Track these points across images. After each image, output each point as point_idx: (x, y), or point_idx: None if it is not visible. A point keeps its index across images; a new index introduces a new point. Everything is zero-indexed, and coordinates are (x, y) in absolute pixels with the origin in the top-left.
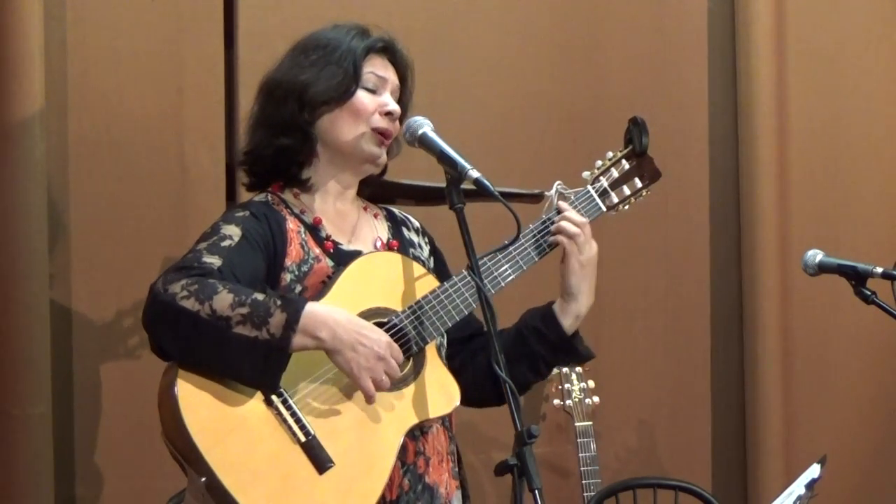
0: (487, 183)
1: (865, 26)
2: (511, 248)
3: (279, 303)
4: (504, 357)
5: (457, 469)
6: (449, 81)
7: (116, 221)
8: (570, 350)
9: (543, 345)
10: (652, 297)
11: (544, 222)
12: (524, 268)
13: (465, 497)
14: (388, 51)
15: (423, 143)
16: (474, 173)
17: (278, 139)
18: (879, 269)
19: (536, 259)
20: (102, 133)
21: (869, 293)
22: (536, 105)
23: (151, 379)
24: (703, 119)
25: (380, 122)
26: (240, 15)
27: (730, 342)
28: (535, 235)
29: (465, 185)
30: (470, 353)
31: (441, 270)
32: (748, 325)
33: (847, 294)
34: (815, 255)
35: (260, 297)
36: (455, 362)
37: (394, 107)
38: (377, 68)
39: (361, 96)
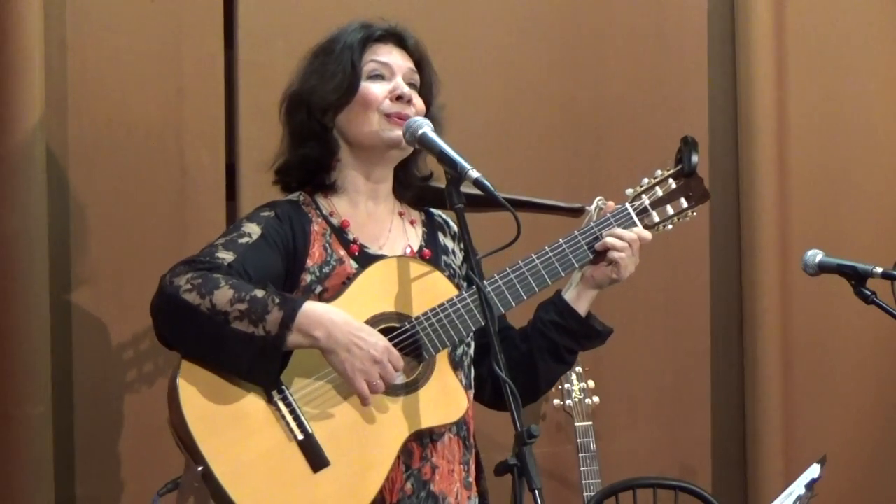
0: (487, 183)
1: (865, 26)
2: (538, 261)
3: (277, 300)
4: (530, 355)
5: (470, 480)
6: (449, 82)
7: (116, 221)
8: (592, 333)
9: (566, 336)
10: (652, 297)
11: (584, 235)
12: (562, 274)
13: None
14: (394, 37)
15: (423, 143)
16: (474, 173)
17: (299, 149)
18: (879, 269)
19: (589, 258)
20: (102, 133)
21: (869, 293)
22: (537, 105)
23: (152, 378)
24: (703, 119)
25: (392, 107)
26: (240, 15)
27: (730, 342)
28: (574, 246)
29: (468, 190)
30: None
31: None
32: (748, 325)
33: (847, 294)
34: (815, 255)
35: (259, 293)
36: (482, 369)
37: (403, 89)
38: (379, 55)
39: (368, 87)
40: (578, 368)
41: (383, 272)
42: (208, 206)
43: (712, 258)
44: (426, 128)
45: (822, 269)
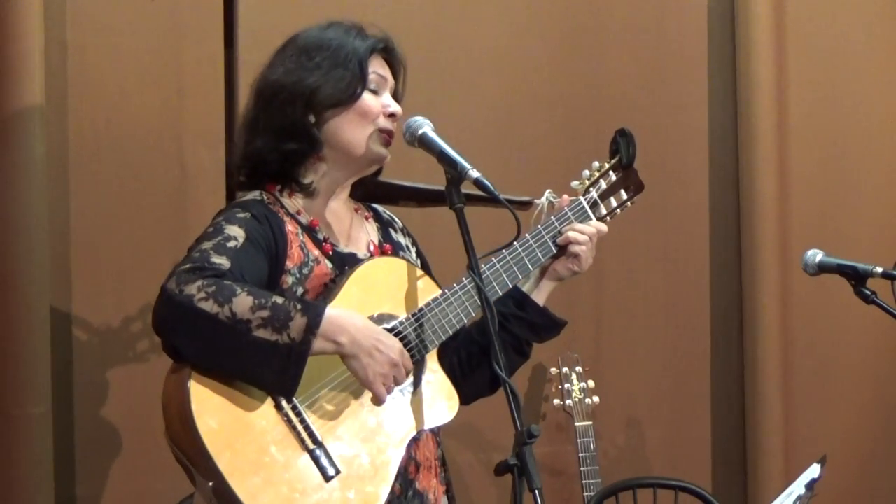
0: (488, 183)
1: (865, 25)
2: (508, 257)
3: (299, 307)
4: (489, 350)
5: (443, 474)
6: (448, 81)
7: (116, 221)
8: (551, 324)
9: (527, 329)
10: (652, 297)
11: (547, 229)
12: (531, 269)
13: (450, 499)
14: (386, 50)
15: (423, 142)
16: (474, 173)
17: (285, 144)
18: (879, 269)
19: (553, 252)
20: (102, 133)
21: (869, 293)
22: (536, 105)
23: (152, 378)
24: (703, 119)
25: (385, 123)
26: (240, 15)
27: (730, 342)
28: (539, 241)
29: (466, 190)
30: (452, 353)
31: (425, 272)
32: (748, 325)
33: (847, 294)
34: (815, 255)
35: (280, 300)
36: (443, 362)
37: (396, 108)
38: (378, 69)
39: (367, 98)
40: (578, 368)
41: (369, 273)
42: (208, 206)
43: (712, 258)
44: (426, 127)
45: (822, 269)
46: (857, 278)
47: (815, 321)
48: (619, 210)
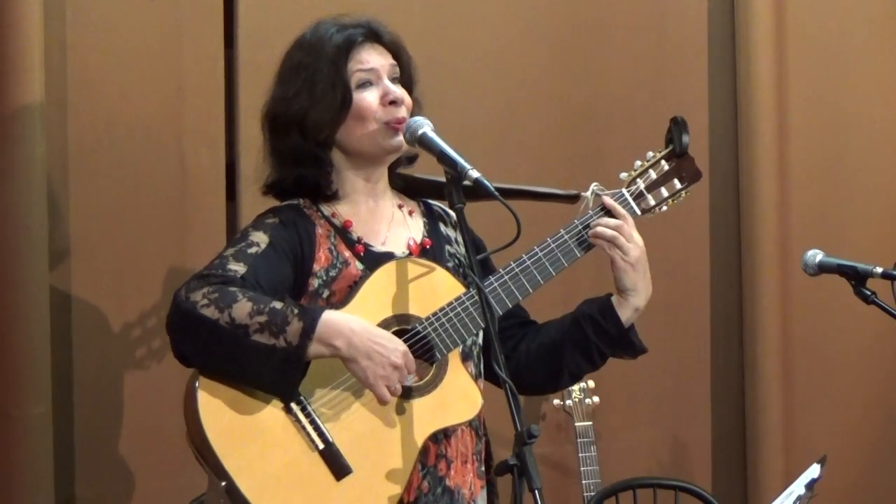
0: (487, 183)
1: (866, 25)
2: (540, 252)
3: (296, 311)
4: (560, 344)
5: (483, 468)
6: (448, 80)
7: (116, 221)
8: (627, 343)
9: (600, 336)
10: (652, 297)
11: (582, 224)
12: (565, 266)
13: (491, 495)
14: (370, 36)
15: (423, 143)
16: (474, 173)
17: (295, 170)
18: (879, 269)
19: (578, 256)
20: (102, 133)
21: (869, 293)
22: (536, 105)
23: (152, 378)
24: (703, 119)
25: (387, 114)
26: (240, 15)
27: (730, 342)
28: (575, 235)
29: (505, 185)
30: (520, 340)
31: (481, 262)
32: (748, 325)
33: (847, 294)
34: (815, 255)
35: (278, 305)
36: (506, 348)
37: (395, 94)
38: (363, 62)
39: (360, 98)
40: None
41: (389, 275)
42: (208, 206)
43: (712, 258)
44: (426, 128)
45: (822, 269)
46: (857, 278)
47: (815, 321)
48: (671, 200)
